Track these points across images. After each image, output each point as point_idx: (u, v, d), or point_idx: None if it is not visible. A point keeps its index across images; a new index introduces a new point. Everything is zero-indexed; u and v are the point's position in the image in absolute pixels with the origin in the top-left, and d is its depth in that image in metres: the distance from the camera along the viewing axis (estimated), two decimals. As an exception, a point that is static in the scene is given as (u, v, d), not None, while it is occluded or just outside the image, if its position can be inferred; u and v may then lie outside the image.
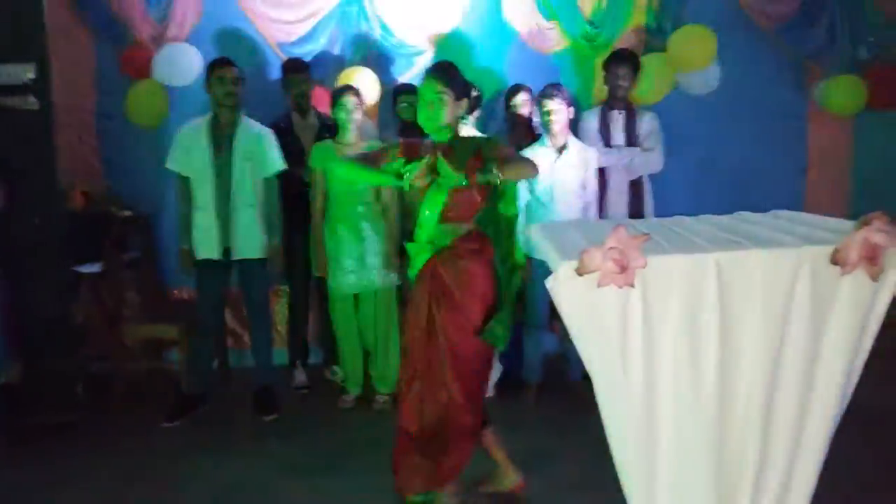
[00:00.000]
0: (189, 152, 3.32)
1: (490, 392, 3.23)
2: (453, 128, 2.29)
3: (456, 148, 2.26)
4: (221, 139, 3.34)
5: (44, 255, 3.40)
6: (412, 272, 2.34)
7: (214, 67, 3.36)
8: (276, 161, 3.43)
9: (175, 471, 2.92)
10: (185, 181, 3.36)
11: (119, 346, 3.75)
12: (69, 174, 3.84)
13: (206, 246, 3.35)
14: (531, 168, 2.26)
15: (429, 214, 2.24)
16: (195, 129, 3.35)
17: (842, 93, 4.14)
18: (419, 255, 2.29)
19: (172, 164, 3.37)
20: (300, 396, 3.77)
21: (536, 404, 3.51)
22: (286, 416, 3.46)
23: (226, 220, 3.33)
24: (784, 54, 4.29)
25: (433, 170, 2.20)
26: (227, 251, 3.37)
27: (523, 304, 3.41)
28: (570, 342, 3.36)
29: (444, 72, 2.26)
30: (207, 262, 3.37)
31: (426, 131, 2.31)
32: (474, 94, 2.66)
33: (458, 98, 2.25)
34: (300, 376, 3.86)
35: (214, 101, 3.35)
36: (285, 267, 3.93)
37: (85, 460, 3.02)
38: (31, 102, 3.28)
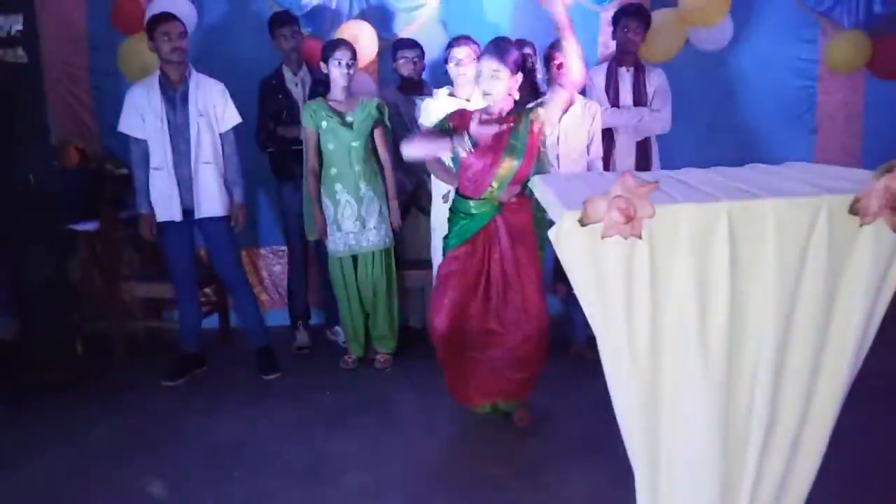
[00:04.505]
0: (142, 114, 3.18)
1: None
2: (512, 99, 2.61)
3: (516, 119, 2.59)
4: (174, 97, 3.20)
5: (39, 213, 3.34)
6: (470, 224, 2.66)
7: (158, 23, 3.15)
8: (233, 115, 3.31)
9: (175, 429, 2.90)
10: (139, 144, 3.23)
11: (117, 305, 3.72)
12: (63, 131, 3.76)
13: (166, 208, 3.24)
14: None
15: (503, 175, 2.60)
16: (145, 89, 3.20)
17: (844, 49, 4.01)
18: (483, 210, 2.65)
19: (125, 128, 3.22)
20: (301, 357, 3.74)
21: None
22: (287, 376, 3.44)
23: (185, 180, 3.22)
24: (797, 10, 4.13)
25: (503, 138, 2.56)
26: (189, 212, 3.27)
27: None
28: (573, 304, 3.35)
29: (499, 49, 2.57)
30: (169, 224, 3.26)
31: (486, 102, 2.61)
32: (529, 63, 2.95)
33: (513, 73, 2.57)
34: (301, 337, 3.83)
35: (161, 58, 3.18)
36: (282, 228, 3.88)
37: (83, 419, 3.00)
38: (20, 56, 3.18)
